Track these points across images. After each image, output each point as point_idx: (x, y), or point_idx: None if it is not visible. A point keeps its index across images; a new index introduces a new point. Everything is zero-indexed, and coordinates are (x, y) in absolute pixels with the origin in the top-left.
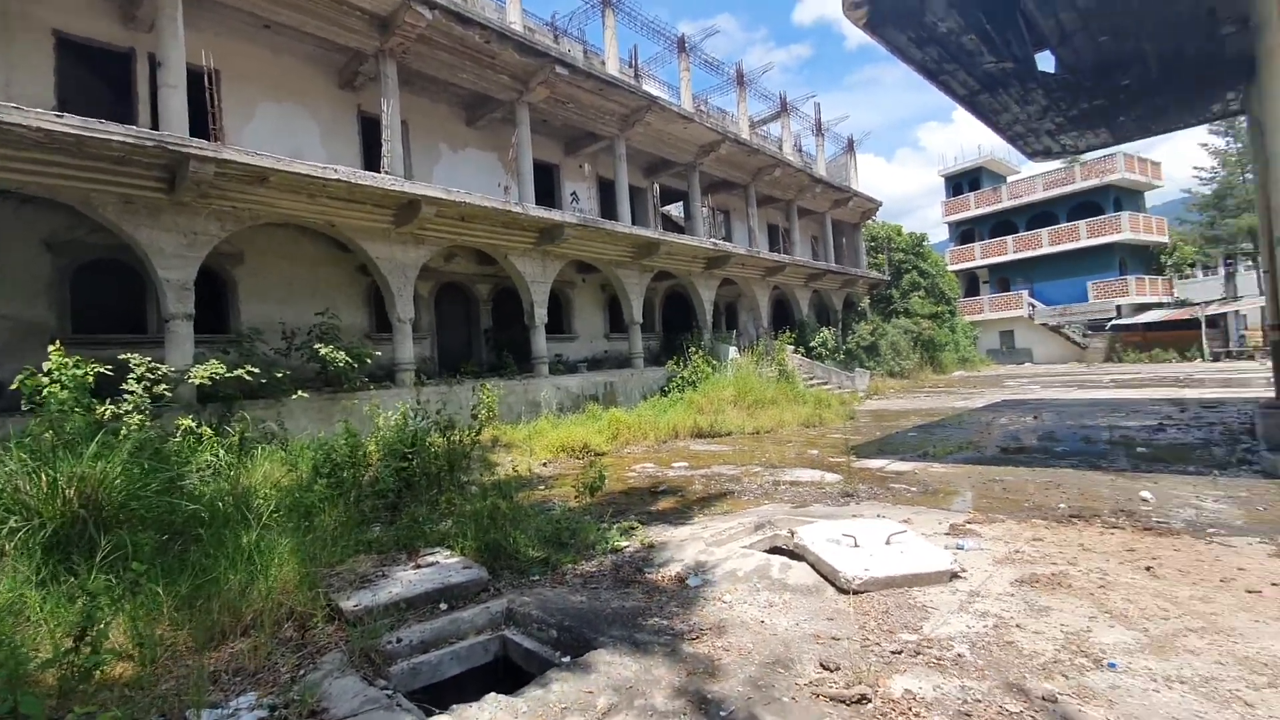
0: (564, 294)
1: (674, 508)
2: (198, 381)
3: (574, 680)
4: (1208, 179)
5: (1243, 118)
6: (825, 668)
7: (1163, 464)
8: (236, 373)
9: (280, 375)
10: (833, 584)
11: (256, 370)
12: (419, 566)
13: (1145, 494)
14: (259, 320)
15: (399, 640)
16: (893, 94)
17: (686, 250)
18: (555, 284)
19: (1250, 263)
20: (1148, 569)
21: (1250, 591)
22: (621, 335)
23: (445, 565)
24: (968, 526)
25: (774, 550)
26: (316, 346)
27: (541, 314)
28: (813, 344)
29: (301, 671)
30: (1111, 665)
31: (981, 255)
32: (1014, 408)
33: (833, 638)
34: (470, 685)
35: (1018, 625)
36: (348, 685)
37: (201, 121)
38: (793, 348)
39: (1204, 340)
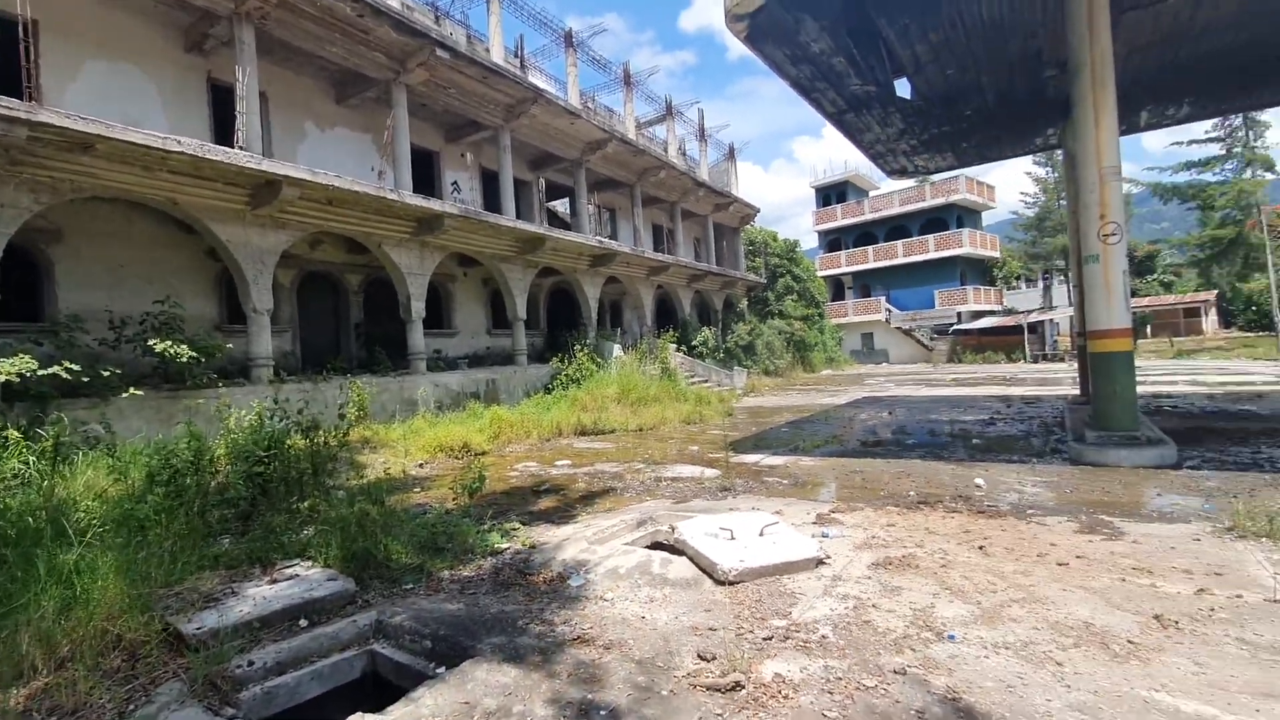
0: (444, 287)
1: (557, 506)
2: (3, 378)
3: (448, 692)
4: (1031, 203)
5: (1060, 151)
6: (703, 658)
7: (993, 454)
8: (52, 369)
9: (108, 372)
10: (711, 576)
11: (77, 367)
12: (275, 581)
13: (979, 481)
14: (81, 308)
15: (250, 663)
16: (770, 107)
17: (572, 247)
18: (434, 277)
19: (1063, 277)
20: (980, 548)
21: (1060, 564)
22: (505, 331)
23: (306, 578)
24: (832, 515)
25: (655, 546)
26: (151, 341)
27: (419, 308)
28: (694, 343)
29: (131, 706)
30: (951, 637)
31: (847, 263)
32: (873, 404)
33: (710, 628)
34: (334, 706)
35: (874, 605)
36: (187, 718)
37: (14, 79)
38: (675, 346)
39: (1026, 344)
